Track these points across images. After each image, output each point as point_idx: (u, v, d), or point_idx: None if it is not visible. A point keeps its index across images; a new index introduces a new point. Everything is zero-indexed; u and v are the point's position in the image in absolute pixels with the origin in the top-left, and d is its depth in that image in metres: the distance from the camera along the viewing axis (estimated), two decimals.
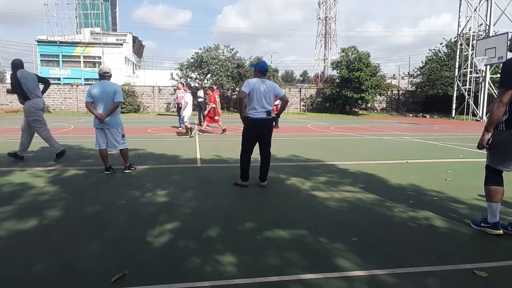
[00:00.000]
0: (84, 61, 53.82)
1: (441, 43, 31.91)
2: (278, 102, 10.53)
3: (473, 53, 23.07)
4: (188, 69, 30.88)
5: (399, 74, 47.97)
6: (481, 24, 24.60)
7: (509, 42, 3.33)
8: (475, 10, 24.12)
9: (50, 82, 6.78)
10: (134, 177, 5.11)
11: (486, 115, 22.34)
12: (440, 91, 30.92)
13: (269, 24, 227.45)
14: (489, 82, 23.06)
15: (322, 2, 69.61)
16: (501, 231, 2.90)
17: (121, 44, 55.77)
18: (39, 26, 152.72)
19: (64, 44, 53.06)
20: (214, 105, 11.61)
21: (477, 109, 23.57)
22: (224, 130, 11.65)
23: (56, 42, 52.25)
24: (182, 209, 3.57)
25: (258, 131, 4.50)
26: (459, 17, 25.54)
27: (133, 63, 61.17)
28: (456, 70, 25.90)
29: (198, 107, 14.79)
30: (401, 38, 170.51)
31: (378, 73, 31.42)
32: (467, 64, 24.84)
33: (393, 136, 11.48)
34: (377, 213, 3.49)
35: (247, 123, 4.52)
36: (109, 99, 5.20)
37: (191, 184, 4.65)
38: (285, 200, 4.00)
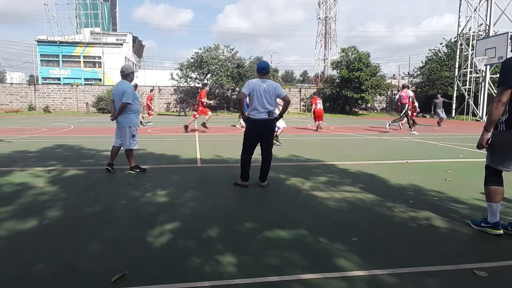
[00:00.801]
0: (84, 61, 53.89)
1: (441, 43, 31.92)
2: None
3: (473, 53, 23.06)
4: (188, 69, 30.88)
5: (399, 74, 47.93)
6: (481, 24, 24.61)
7: (510, 41, 3.32)
8: (475, 10, 24.12)
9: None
10: (134, 177, 5.11)
11: (486, 115, 22.34)
12: (440, 91, 30.90)
13: (270, 24, 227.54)
14: (489, 82, 23.06)
15: (322, 2, 69.66)
16: (501, 231, 2.90)
17: (121, 44, 55.82)
18: (39, 26, 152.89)
19: (64, 44, 53.12)
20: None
21: (477, 109, 23.57)
22: (186, 128, 11.88)
23: (56, 42, 52.30)
24: (182, 209, 3.57)
25: (259, 132, 4.50)
26: (459, 17, 25.55)
27: (133, 63, 61.16)
28: (456, 70, 25.91)
29: None
30: (401, 38, 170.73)
31: (378, 73, 31.44)
32: (467, 64, 24.85)
33: (393, 136, 11.48)
34: (377, 213, 3.49)
35: (248, 124, 4.52)
36: (119, 99, 5.28)
37: (191, 184, 4.65)
38: (285, 200, 4.00)
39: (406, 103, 12.39)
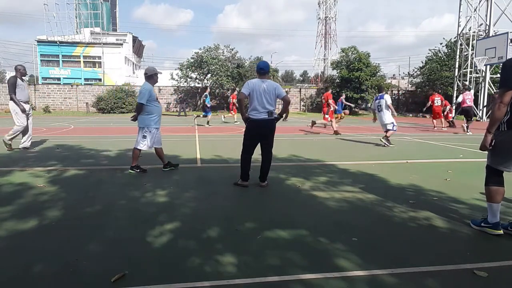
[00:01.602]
0: (84, 61, 53.87)
1: (441, 43, 31.89)
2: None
3: (473, 53, 23.06)
4: (188, 69, 30.87)
5: (399, 74, 47.97)
6: (481, 24, 24.58)
7: (510, 41, 3.32)
8: (475, 10, 24.10)
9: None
10: (134, 177, 5.11)
11: (486, 115, 22.36)
12: (440, 91, 30.90)
13: (270, 24, 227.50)
14: (489, 82, 23.05)
15: (322, 2, 69.58)
16: (501, 231, 2.90)
17: (121, 44, 55.81)
18: (39, 26, 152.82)
19: (64, 44, 53.10)
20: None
21: (477, 109, 23.55)
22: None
23: (56, 42, 52.29)
24: (182, 209, 3.57)
25: (259, 132, 4.50)
26: (459, 17, 25.53)
27: (133, 63, 61.20)
28: (456, 70, 25.89)
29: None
30: (401, 38, 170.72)
31: (378, 73, 31.41)
32: (467, 64, 24.83)
33: (393, 136, 11.48)
34: (377, 213, 3.49)
35: (248, 124, 4.52)
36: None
37: (191, 184, 4.65)
38: (285, 200, 4.00)
39: (468, 106, 12.39)
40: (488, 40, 21.22)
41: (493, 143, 2.89)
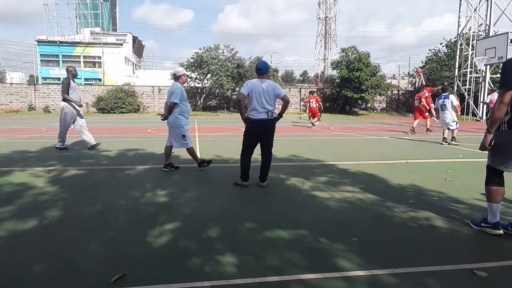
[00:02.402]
0: (84, 61, 53.88)
1: (441, 43, 31.94)
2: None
3: (473, 53, 23.06)
4: (188, 69, 30.88)
5: (399, 74, 47.90)
6: (481, 24, 24.60)
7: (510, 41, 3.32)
8: (475, 10, 24.12)
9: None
10: (134, 177, 5.11)
11: (486, 115, 22.32)
12: (440, 91, 30.89)
13: (270, 24, 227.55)
14: (489, 82, 23.04)
15: (322, 2, 69.59)
16: (501, 231, 2.90)
17: (121, 44, 55.81)
18: (39, 26, 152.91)
19: (64, 44, 53.11)
20: None
21: (477, 109, 23.56)
22: None
23: (56, 42, 52.30)
24: (182, 209, 3.57)
25: (259, 132, 4.50)
26: (459, 17, 25.55)
27: (133, 63, 61.18)
28: (456, 70, 25.91)
29: None
30: (401, 38, 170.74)
31: (378, 73, 31.42)
32: (467, 64, 24.85)
33: (393, 136, 11.48)
34: (377, 213, 3.49)
35: (248, 124, 4.52)
36: (169, 100, 5.46)
37: (191, 184, 4.65)
38: (285, 200, 4.00)
39: None
40: (488, 40, 21.23)
41: (493, 143, 2.89)
